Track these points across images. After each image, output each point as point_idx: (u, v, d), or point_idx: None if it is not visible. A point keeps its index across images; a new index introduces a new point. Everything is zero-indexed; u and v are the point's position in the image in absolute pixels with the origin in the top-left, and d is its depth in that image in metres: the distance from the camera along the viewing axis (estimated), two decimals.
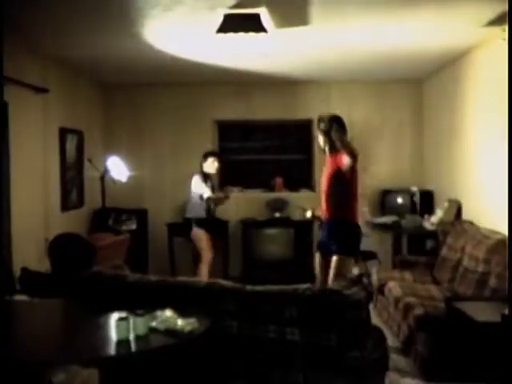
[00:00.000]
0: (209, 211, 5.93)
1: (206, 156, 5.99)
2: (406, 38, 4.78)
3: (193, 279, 3.17)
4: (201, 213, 5.87)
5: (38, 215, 5.28)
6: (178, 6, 3.82)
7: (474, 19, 4.23)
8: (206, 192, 5.80)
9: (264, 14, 3.95)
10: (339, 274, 3.91)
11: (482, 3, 3.85)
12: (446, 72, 6.09)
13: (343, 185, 4.03)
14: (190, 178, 5.99)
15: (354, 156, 3.89)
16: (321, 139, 4.14)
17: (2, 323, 2.88)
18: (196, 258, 6.06)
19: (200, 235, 5.86)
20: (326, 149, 4.12)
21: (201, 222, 5.86)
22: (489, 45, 4.83)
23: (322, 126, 4.04)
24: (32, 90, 5.05)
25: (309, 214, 4.89)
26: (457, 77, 5.72)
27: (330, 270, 4.05)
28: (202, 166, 5.97)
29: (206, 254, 5.80)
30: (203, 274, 5.73)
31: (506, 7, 3.70)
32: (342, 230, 4.06)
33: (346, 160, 3.92)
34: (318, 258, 4.26)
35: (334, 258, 4.00)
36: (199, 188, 5.85)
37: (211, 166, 5.95)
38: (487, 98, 4.92)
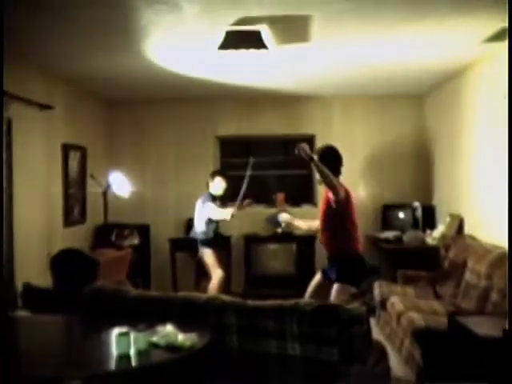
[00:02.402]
0: (216, 230, 5.94)
1: (213, 175, 5.94)
2: (407, 53, 4.82)
3: (194, 294, 3.17)
4: (209, 234, 5.83)
5: (41, 231, 5.30)
6: (180, 23, 3.87)
7: (474, 35, 4.27)
8: (227, 214, 5.65)
9: (265, 30, 4.00)
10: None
11: (482, 19, 3.89)
12: (447, 87, 6.12)
13: (337, 217, 3.98)
14: (194, 198, 5.93)
15: (334, 193, 3.82)
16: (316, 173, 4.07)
17: (3, 339, 2.88)
18: (205, 276, 5.99)
19: (208, 254, 5.83)
20: (318, 178, 4.04)
21: (207, 242, 5.84)
22: (489, 60, 4.87)
23: (305, 156, 3.82)
24: (36, 106, 5.10)
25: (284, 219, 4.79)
26: (458, 92, 5.75)
27: (319, 288, 4.11)
28: (208, 186, 5.91)
29: (216, 272, 5.75)
30: (212, 291, 5.65)
31: (505, 23, 3.75)
32: (340, 264, 4.02)
33: (330, 194, 3.90)
34: (318, 276, 4.22)
35: (334, 287, 3.96)
36: (218, 214, 5.71)
37: (218, 185, 5.87)
38: (488, 112, 4.94)
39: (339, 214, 3.96)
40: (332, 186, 3.80)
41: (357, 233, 4.07)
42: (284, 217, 4.79)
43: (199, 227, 5.85)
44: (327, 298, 3.89)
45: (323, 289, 4.08)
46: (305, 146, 3.75)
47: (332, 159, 4.02)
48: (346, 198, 3.95)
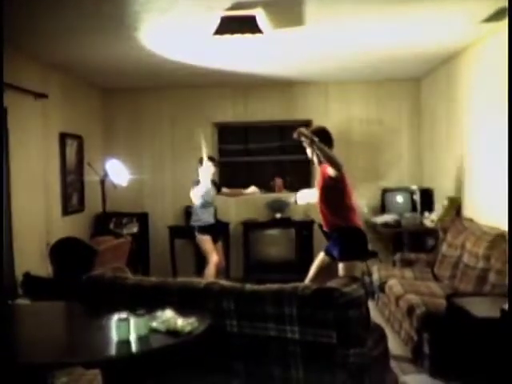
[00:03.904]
0: (215, 215, 5.90)
1: (201, 161, 5.83)
2: (403, 36, 4.79)
3: (193, 280, 3.18)
4: (206, 219, 5.80)
5: (40, 220, 5.31)
6: (174, 8, 3.84)
7: (471, 16, 4.24)
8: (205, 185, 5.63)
9: (260, 15, 3.98)
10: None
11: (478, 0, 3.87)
12: (443, 70, 6.10)
13: (335, 194, 4.07)
14: (191, 185, 5.83)
15: (337, 169, 3.91)
16: (308, 151, 4.18)
17: (4, 327, 2.89)
18: (202, 261, 6.03)
19: (204, 240, 5.83)
20: (315, 160, 4.16)
21: (203, 229, 5.82)
22: (486, 42, 4.84)
23: (306, 139, 3.96)
24: (31, 95, 5.08)
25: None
26: (454, 74, 5.73)
27: (322, 269, 4.15)
28: (198, 173, 5.82)
29: (212, 257, 5.77)
30: (208, 277, 5.69)
31: (502, 3, 3.73)
32: (342, 237, 4.07)
33: (330, 171, 3.97)
34: (321, 255, 4.26)
35: (340, 265, 4.03)
36: (200, 190, 5.65)
37: (207, 171, 5.75)
38: (485, 94, 4.93)
39: (338, 188, 4.04)
40: (335, 162, 3.89)
41: (355, 207, 4.16)
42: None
43: (195, 212, 5.83)
44: (329, 280, 3.91)
45: (325, 270, 4.13)
46: (304, 129, 3.93)
47: (327, 138, 4.11)
48: (343, 172, 4.04)
